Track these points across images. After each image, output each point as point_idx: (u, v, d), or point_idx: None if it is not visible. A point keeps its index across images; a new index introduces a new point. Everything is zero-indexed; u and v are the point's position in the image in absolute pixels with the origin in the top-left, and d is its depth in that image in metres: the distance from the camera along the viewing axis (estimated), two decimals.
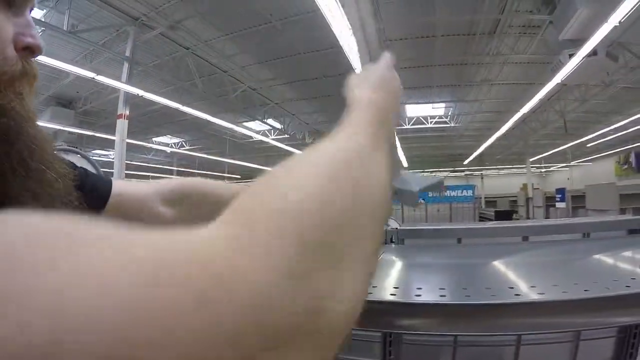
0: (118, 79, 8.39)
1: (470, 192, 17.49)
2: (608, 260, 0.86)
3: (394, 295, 0.55)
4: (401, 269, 0.84)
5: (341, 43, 6.86)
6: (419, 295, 0.54)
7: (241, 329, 0.23)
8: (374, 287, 0.59)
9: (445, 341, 0.61)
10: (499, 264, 0.84)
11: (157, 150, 19.99)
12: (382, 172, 0.42)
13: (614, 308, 0.52)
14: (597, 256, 0.89)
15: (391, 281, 0.68)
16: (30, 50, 0.54)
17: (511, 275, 0.73)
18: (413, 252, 1.03)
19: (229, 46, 9.97)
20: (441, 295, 0.54)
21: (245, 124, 15.77)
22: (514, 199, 21.51)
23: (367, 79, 0.63)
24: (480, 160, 27.56)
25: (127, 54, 8.71)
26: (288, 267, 0.27)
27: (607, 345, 0.62)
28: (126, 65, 8.76)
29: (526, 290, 0.57)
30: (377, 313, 0.52)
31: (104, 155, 18.75)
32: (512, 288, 0.57)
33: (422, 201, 17.18)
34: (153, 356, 0.20)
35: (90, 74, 7.67)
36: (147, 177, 28.36)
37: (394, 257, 0.95)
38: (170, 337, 0.21)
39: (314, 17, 7.85)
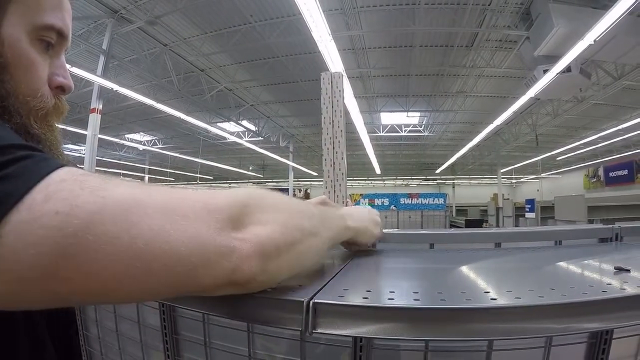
0: (93, 72, 8.22)
1: (441, 200, 17.69)
2: (582, 267, 0.87)
3: (367, 298, 0.54)
4: (373, 272, 0.84)
5: (320, 48, 6.86)
6: (392, 299, 0.53)
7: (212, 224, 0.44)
8: (345, 290, 0.58)
9: (416, 346, 0.61)
10: (471, 269, 0.85)
11: (129, 147, 19.68)
12: (324, 242, 0.65)
13: (591, 313, 0.52)
14: (570, 263, 0.90)
15: (363, 285, 0.68)
16: (61, 89, 0.66)
17: (485, 280, 0.73)
18: (385, 256, 1.03)
19: (207, 45, 9.88)
20: (415, 300, 0.54)
21: (220, 124, 15.62)
22: (484, 208, 21.83)
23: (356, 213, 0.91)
24: (452, 170, 27.95)
25: (104, 46, 8.55)
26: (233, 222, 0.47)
27: (578, 350, 0.62)
28: (102, 58, 8.59)
29: (502, 295, 0.57)
30: (348, 317, 0.51)
31: (75, 150, 18.35)
32: (488, 292, 0.57)
33: (394, 208, 17.34)
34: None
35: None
36: (117, 175, 27.98)
37: (365, 261, 0.94)
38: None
39: (294, 21, 7.86)
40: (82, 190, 0.38)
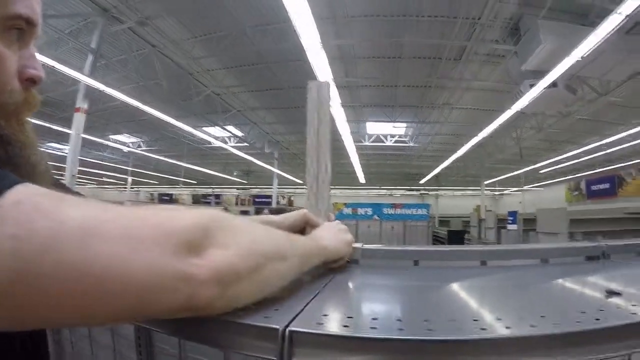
0: (80, 70, 8.13)
1: (425, 211, 17.76)
2: (571, 288, 0.86)
3: (347, 327, 0.51)
4: (354, 294, 0.82)
5: (309, 57, 6.87)
6: (375, 328, 0.50)
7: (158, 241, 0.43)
8: (324, 315, 0.55)
9: None
10: (458, 291, 0.82)
11: (113, 148, 19.49)
12: (291, 266, 0.62)
13: (586, 343, 0.49)
14: (559, 284, 0.89)
15: (343, 309, 0.66)
16: (32, 81, 0.61)
17: (473, 306, 0.71)
18: (368, 274, 1.00)
19: (197, 48, 9.85)
20: (399, 329, 0.50)
21: (206, 129, 15.55)
22: (467, 219, 21.93)
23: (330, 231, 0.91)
24: (436, 181, 28.09)
25: (93, 45, 8.46)
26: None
27: None
28: (90, 57, 8.51)
29: (492, 324, 0.54)
30: (327, 347, 0.48)
31: (59, 149, 18.13)
32: (477, 320, 0.55)
33: (377, 217, 17.38)
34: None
35: (51, 62, 7.34)
36: (100, 176, 27.73)
37: (347, 279, 0.91)
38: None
39: (285, 27, 7.85)
40: (37, 213, 0.37)
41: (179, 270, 0.42)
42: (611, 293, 0.68)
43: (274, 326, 0.48)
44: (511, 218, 13.01)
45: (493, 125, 11.86)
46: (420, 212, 17.74)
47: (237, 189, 35.54)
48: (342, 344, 0.47)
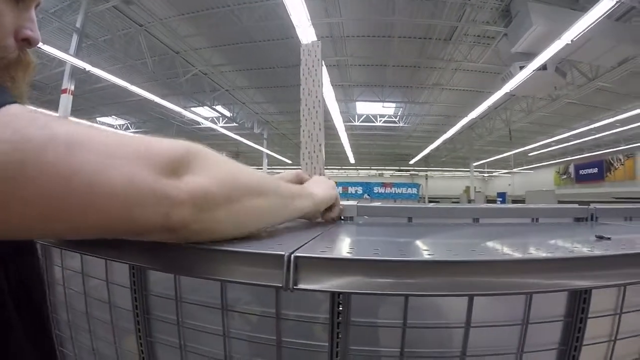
0: (65, 51, 8.00)
1: (415, 190, 17.86)
2: (563, 236, 0.89)
3: (350, 253, 0.53)
4: (354, 236, 0.84)
5: (298, 34, 6.81)
6: (377, 253, 0.52)
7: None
8: (327, 247, 0.56)
9: (394, 323, 0.60)
10: (456, 236, 0.85)
11: None
12: (273, 204, 0.65)
13: (576, 269, 0.52)
14: (552, 233, 0.92)
15: (345, 244, 0.68)
16: (27, 42, 0.64)
17: (471, 243, 0.74)
18: (365, 226, 1.03)
19: (183, 27, 9.69)
20: (402, 254, 0.53)
21: (194, 109, 15.33)
22: (456, 200, 22.09)
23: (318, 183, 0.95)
24: (425, 161, 28.13)
25: (78, 25, 8.32)
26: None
27: (555, 329, 0.63)
28: (75, 37, 8.36)
29: (489, 253, 0.57)
30: (331, 271, 0.49)
31: None
32: (474, 250, 0.58)
33: (368, 196, 17.45)
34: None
35: None
36: None
37: (345, 229, 0.94)
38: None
39: (273, 5, 7.76)
40: (31, 124, 0.40)
41: (157, 188, 0.45)
42: (601, 237, 0.70)
43: (279, 252, 0.50)
44: (500, 199, 13.17)
45: (482, 106, 11.89)
46: (410, 191, 17.85)
47: None
48: (347, 266, 0.48)
